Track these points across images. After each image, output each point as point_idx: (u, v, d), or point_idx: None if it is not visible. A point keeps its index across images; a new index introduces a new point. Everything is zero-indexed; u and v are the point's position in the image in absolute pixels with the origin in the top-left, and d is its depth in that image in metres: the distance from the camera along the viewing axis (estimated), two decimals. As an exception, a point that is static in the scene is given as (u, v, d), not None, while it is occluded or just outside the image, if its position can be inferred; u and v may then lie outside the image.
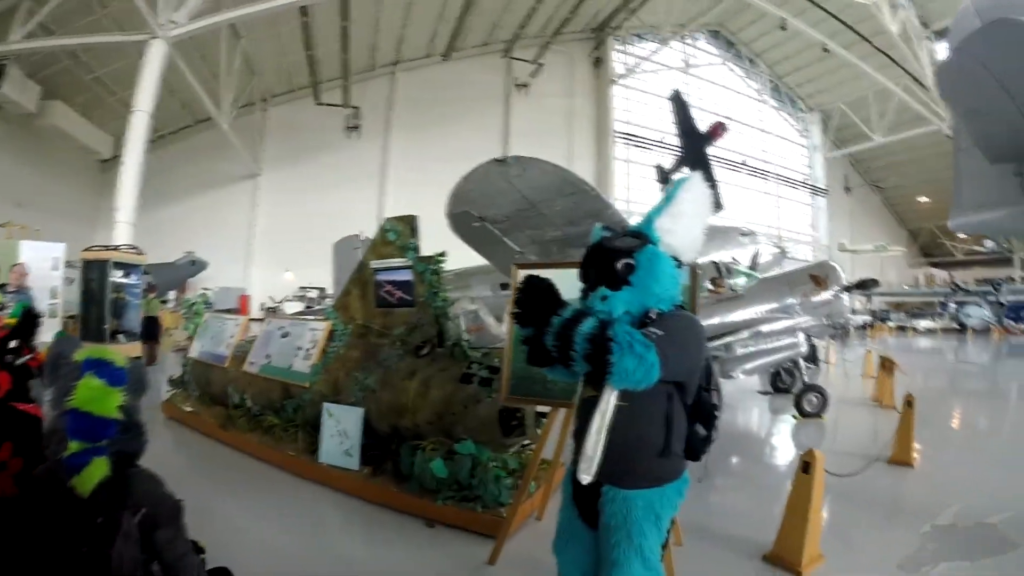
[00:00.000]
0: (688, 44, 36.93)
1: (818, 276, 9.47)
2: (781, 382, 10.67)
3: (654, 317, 2.27)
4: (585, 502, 2.42)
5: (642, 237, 2.39)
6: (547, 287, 2.37)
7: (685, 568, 3.63)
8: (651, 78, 35.03)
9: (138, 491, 2.33)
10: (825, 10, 30.67)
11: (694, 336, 2.35)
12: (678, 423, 2.35)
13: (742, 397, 10.98)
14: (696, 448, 2.46)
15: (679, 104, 23.03)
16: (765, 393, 10.68)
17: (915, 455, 6.34)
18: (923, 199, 42.93)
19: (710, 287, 9.85)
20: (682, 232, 2.43)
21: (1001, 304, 35.04)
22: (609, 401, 2.22)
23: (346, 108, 28.80)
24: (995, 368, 19.23)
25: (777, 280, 10.03)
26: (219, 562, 2.81)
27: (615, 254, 2.32)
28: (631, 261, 2.30)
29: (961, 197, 18.23)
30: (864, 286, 9.96)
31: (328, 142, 28.49)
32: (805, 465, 3.88)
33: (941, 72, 16.50)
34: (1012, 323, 35.93)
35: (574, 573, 2.52)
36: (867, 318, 34.44)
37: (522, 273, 3.60)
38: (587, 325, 2.17)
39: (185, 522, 2.41)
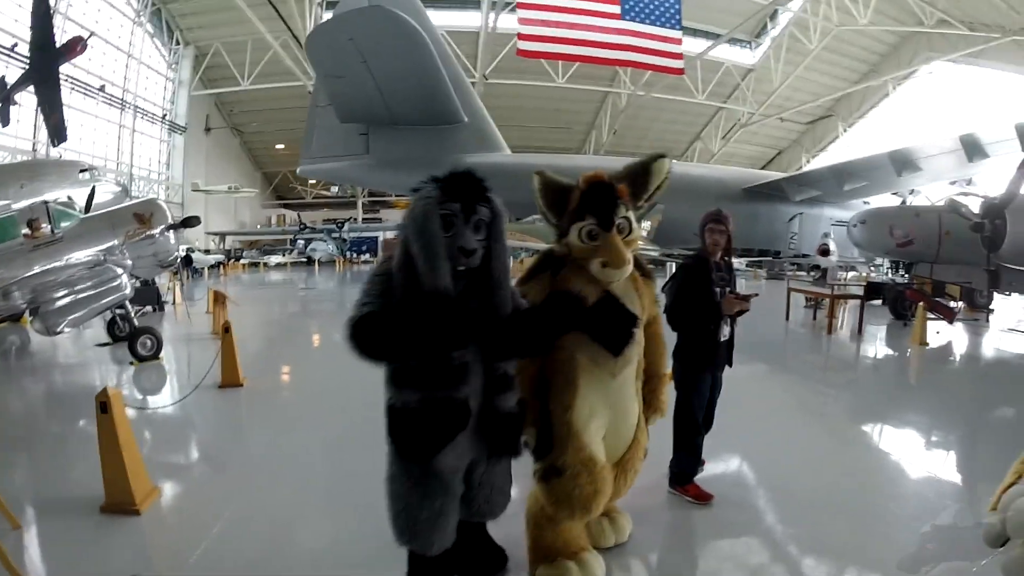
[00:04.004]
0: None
1: (142, 214, 9.18)
2: (119, 329, 9.93)
3: None
4: None
5: None
6: None
7: (30, 550, 3.40)
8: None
9: None
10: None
11: None
12: None
13: (80, 352, 9.98)
14: None
15: (42, 5, 19.11)
16: (104, 345, 9.97)
17: (243, 375, 6.96)
18: (280, 146, 46.51)
19: (26, 232, 8.54)
20: None
21: (344, 240, 42.22)
22: None
23: None
24: (339, 292, 22.81)
25: (99, 219, 9.29)
26: None
27: None
28: None
29: (311, 147, 20.63)
30: (188, 223, 10.01)
31: None
32: (103, 405, 3.71)
33: (315, 35, 18.23)
34: (354, 255, 44.31)
35: None
36: (220, 257, 36.16)
37: None
38: None
39: None
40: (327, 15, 31.81)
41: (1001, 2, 27.93)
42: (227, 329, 7.03)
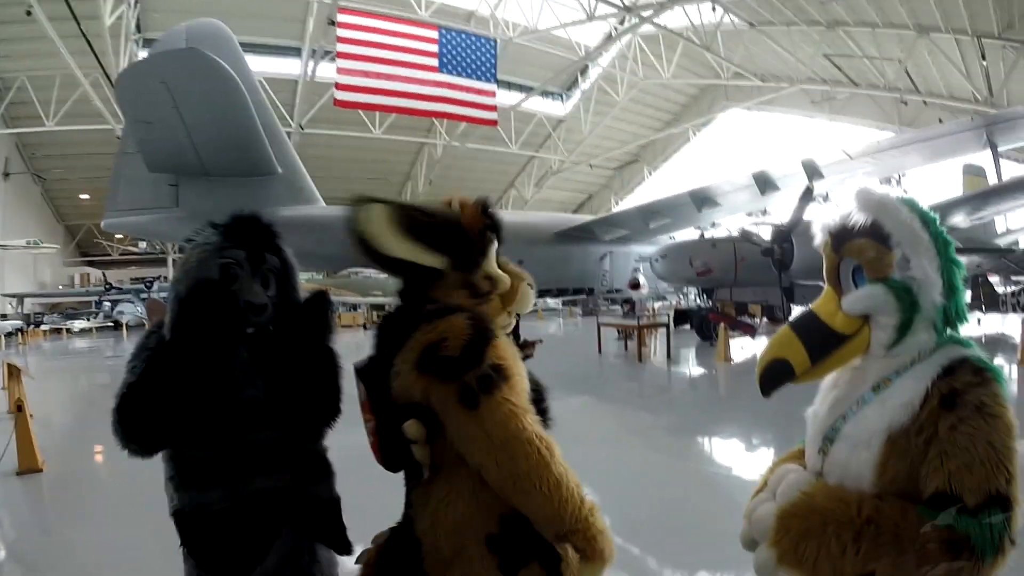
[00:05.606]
0: None
1: None
2: None
3: None
4: None
5: None
6: None
7: None
8: None
9: None
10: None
11: None
12: None
13: None
14: None
15: None
16: None
17: (41, 458, 6.27)
18: (85, 196, 42.30)
19: None
20: None
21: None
22: None
23: None
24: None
25: None
26: None
27: None
28: None
29: (118, 198, 18.80)
30: None
31: None
32: None
33: (126, 75, 16.79)
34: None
35: None
36: (19, 323, 32.45)
37: None
38: None
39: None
40: (144, 54, 29.65)
41: (789, 56, 32.32)
42: (20, 407, 6.35)
